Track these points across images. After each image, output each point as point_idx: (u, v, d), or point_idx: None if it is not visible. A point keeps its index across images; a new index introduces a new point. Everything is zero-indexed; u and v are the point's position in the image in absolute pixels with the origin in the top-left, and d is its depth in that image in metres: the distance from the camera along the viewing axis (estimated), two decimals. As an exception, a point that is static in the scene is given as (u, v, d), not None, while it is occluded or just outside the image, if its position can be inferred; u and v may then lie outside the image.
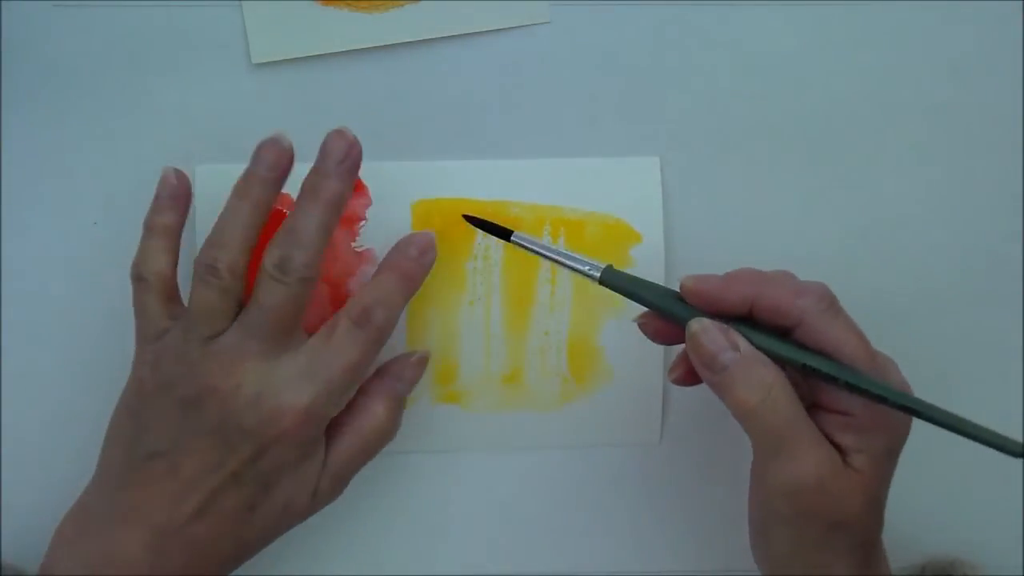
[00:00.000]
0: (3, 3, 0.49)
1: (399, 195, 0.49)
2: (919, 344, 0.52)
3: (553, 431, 0.50)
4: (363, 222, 0.49)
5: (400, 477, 0.51)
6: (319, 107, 0.50)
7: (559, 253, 0.45)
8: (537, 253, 0.45)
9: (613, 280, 0.44)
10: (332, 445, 0.44)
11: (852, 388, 0.40)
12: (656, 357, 0.50)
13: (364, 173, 0.49)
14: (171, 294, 0.44)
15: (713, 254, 0.51)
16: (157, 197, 0.45)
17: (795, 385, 0.41)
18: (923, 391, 0.52)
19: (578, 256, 0.44)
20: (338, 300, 0.49)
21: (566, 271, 0.49)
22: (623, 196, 0.50)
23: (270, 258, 0.41)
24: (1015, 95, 0.52)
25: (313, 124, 0.50)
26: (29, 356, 0.50)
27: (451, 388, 0.50)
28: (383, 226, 0.49)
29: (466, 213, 0.48)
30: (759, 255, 0.52)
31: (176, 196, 0.45)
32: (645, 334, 0.44)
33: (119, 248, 0.49)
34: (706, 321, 0.41)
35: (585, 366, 0.50)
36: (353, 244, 0.49)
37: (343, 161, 0.43)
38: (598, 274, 0.44)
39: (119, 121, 0.50)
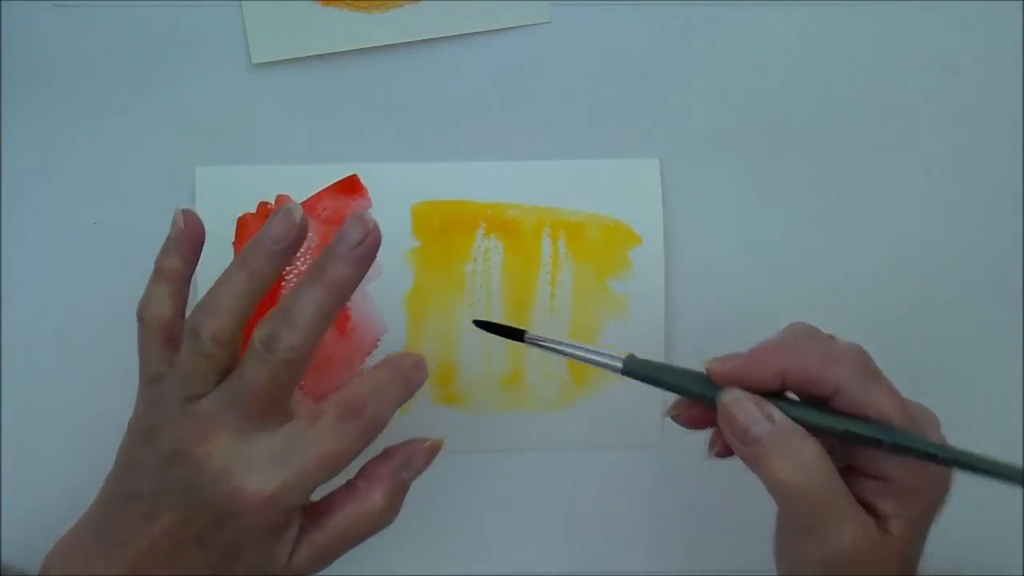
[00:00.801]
0: (3, 3, 0.49)
1: (399, 197, 0.49)
2: (919, 344, 0.52)
3: (553, 433, 0.50)
4: None
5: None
6: (319, 107, 0.50)
7: (576, 348, 0.42)
8: (552, 351, 0.42)
9: (636, 369, 0.41)
10: (319, 524, 0.41)
11: (898, 449, 0.39)
12: (656, 358, 0.50)
13: (363, 174, 0.49)
14: (171, 339, 0.42)
15: (713, 256, 0.51)
16: (168, 238, 0.43)
17: (830, 451, 0.39)
18: (923, 391, 0.52)
19: (596, 349, 0.42)
20: None
21: (567, 273, 0.49)
22: (623, 198, 0.50)
23: (259, 332, 0.39)
24: (1015, 95, 0.52)
25: (313, 124, 0.50)
26: (29, 356, 0.50)
27: (450, 389, 0.50)
28: (383, 228, 0.49)
29: (476, 320, 0.45)
30: (759, 256, 0.52)
31: (183, 240, 0.43)
32: (680, 424, 0.42)
33: (119, 248, 0.49)
34: (738, 392, 0.39)
35: (585, 368, 0.50)
36: None
37: (357, 246, 0.40)
38: (620, 365, 0.41)
39: (119, 121, 0.50)
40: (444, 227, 0.49)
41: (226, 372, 0.40)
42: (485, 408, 0.50)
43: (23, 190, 0.50)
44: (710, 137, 0.51)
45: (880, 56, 0.52)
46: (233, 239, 0.49)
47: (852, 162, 0.52)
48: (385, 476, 0.42)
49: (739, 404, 0.39)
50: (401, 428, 0.49)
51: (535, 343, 0.42)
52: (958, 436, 0.52)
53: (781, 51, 0.51)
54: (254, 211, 0.49)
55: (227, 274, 0.41)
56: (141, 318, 0.42)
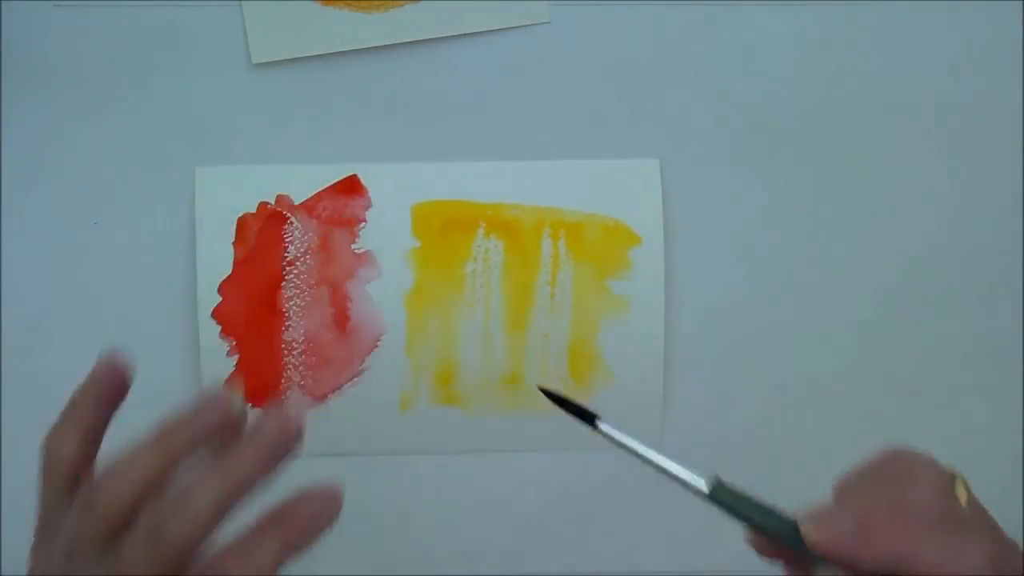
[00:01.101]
0: (3, 3, 0.49)
1: (399, 197, 0.49)
2: (919, 344, 0.52)
3: (553, 433, 0.50)
4: (363, 224, 0.49)
5: (401, 478, 0.51)
6: (319, 107, 0.50)
7: (656, 457, 0.38)
8: (624, 448, 0.39)
9: (723, 498, 0.37)
10: None
11: None
12: (656, 358, 0.50)
13: (363, 174, 0.49)
14: (72, 483, 0.38)
15: (713, 256, 0.51)
16: (92, 379, 0.39)
17: None
18: (923, 391, 0.52)
19: (678, 467, 0.38)
20: (337, 301, 0.49)
21: (567, 273, 0.49)
22: (623, 198, 0.50)
23: (146, 516, 0.35)
24: (1015, 95, 0.52)
25: (313, 124, 0.50)
26: (29, 356, 0.50)
27: (451, 390, 0.50)
28: (383, 228, 0.49)
29: (546, 389, 0.41)
30: (759, 256, 0.52)
31: (110, 387, 0.39)
32: (757, 551, 0.39)
33: (119, 248, 0.49)
34: None
35: (585, 368, 0.50)
36: (353, 246, 0.49)
37: (272, 443, 0.36)
38: (705, 489, 0.38)
39: (119, 121, 0.50)
40: (444, 227, 0.49)
41: (112, 536, 0.36)
42: (485, 408, 0.50)
43: (23, 190, 0.49)
44: (710, 137, 0.51)
45: (880, 56, 0.51)
46: (233, 239, 0.49)
47: (852, 162, 0.52)
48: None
49: None
50: (402, 428, 0.49)
51: (607, 435, 0.39)
52: (958, 436, 0.52)
53: (781, 51, 0.51)
54: (254, 211, 0.49)
55: (144, 448, 0.36)
56: (46, 455, 0.39)
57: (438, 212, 0.50)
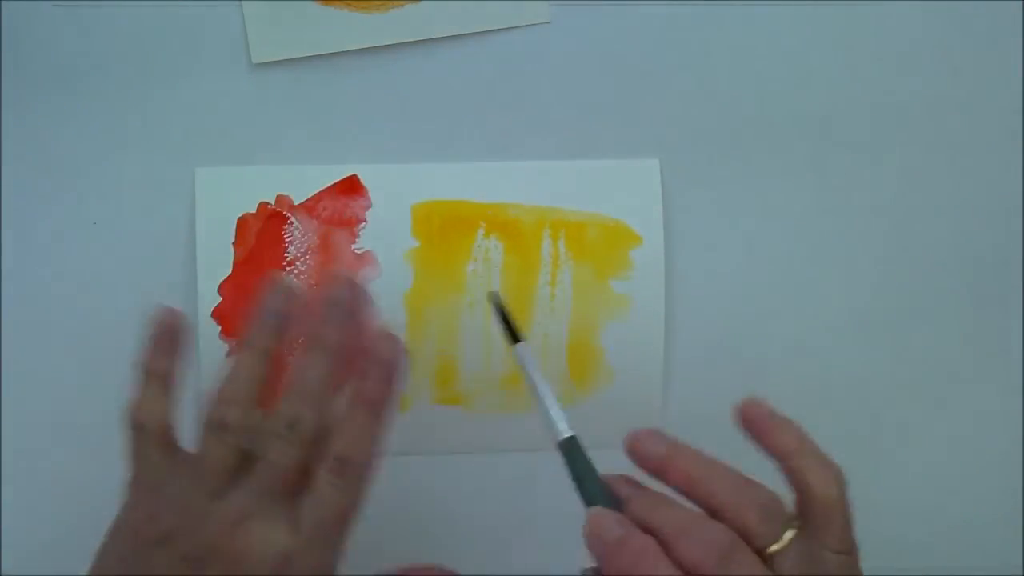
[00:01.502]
0: (3, 3, 0.49)
1: (399, 197, 0.49)
2: (919, 344, 0.52)
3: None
4: (363, 224, 0.49)
5: (400, 478, 0.51)
6: (319, 107, 0.50)
7: (543, 394, 0.41)
8: (527, 378, 0.42)
9: (567, 453, 0.41)
10: None
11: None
12: (657, 359, 0.50)
13: (363, 175, 0.49)
14: (170, 442, 0.42)
15: (713, 256, 0.51)
16: (150, 339, 0.42)
17: None
18: (924, 391, 0.52)
19: (555, 410, 0.41)
20: None
21: (567, 273, 0.49)
22: (623, 198, 0.50)
23: (281, 418, 0.40)
24: (1015, 95, 0.52)
25: (313, 124, 0.50)
26: (29, 357, 0.50)
27: (451, 390, 0.50)
28: (383, 228, 0.49)
29: (493, 294, 0.45)
30: (759, 256, 0.52)
31: (167, 337, 0.42)
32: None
33: (119, 248, 0.49)
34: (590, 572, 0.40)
35: (586, 368, 0.50)
36: (353, 246, 0.49)
37: (341, 308, 0.42)
38: (559, 438, 0.41)
39: (119, 121, 0.50)
40: (444, 227, 0.49)
41: (246, 457, 0.40)
42: (485, 408, 0.50)
43: (23, 190, 0.49)
44: (710, 137, 0.51)
45: (880, 56, 0.51)
46: (233, 239, 0.49)
47: (852, 161, 0.52)
48: None
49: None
50: (402, 428, 0.49)
51: (518, 359, 0.43)
52: (959, 436, 0.52)
53: (781, 51, 0.51)
54: (254, 211, 0.49)
55: (238, 362, 0.41)
56: (137, 425, 0.41)
57: (438, 212, 0.50)
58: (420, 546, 0.52)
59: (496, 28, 0.50)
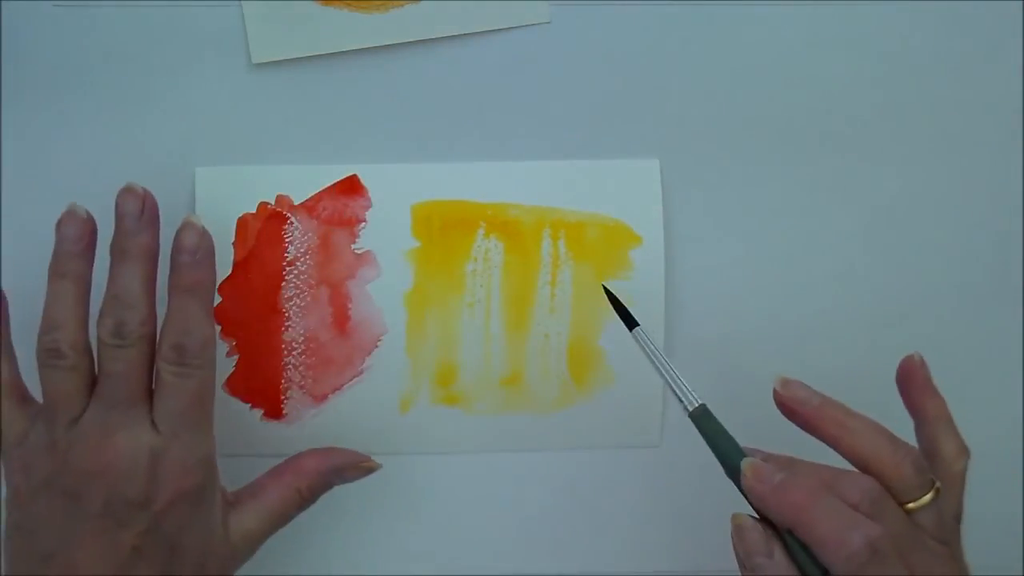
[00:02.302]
0: (3, 3, 0.49)
1: (399, 197, 0.49)
2: (919, 344, 0.52)
3: (553, 433, 0.50)
4: (363, 224, 0.49)
5: (400, 478, 0.51)
6: (319, 107, 0.50)
7: (667, 370, 0.44)
8: (646, 354, 0.44)
9: (700, 422, 0.43)
10: (246, 505, 0.44)
11: None
12: (654, 356, 0.50)
13: (363, 175, 0.49)
14: (22, 394, 0.44)
15: (713, 256, 0.51)
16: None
17: None
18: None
19: (681, 384, 0.43)
20: (337, 301, 0.49)
21: (567, 273, 0.49)
22: (623, 198, 0.50)
23: (104, 328, 0.42)
24: (1015, 95, 0.52)
25: (313, 124, 0.50)
26: (29, 356, 0.49)
27: (451, 390, 0.50)
28: (383, 228, 0.49)
29: (606, 286, 0.47)
30: (759, 256, 0.52)
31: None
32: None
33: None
34: (749, 520, 0.41)
35: (586, 368, 0.50)
36: (353, 246, 0.49)
37: (141, 214, 0.44)
38: (690, 408, 0.43)
39: (119, 121, 0.50)
40: (444, 227, 0.49)
41: (90, 381, 0.42)
42: (485, 409, 0.50)
43: (23, 190, 0.49)
44: (710, 137, 0.51)
45: (880, 56, 0.52)
46: (233, 239, 0.49)
47: (852, 161, 0.52)
48: (314, 474, 0.45)
49: (745, 530, 0.41)
50: (402, 428, 0.49)
51: (640, 340, 0.45)
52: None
53: (781, 51, 0.51)
54: (254, 211, 0.49)
55: (52, 291, 0.43)
56: None
57: (438, 212, 0.50)
58: (420, 546, 0.52)
59: (496, 28, 0.50)
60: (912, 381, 0.43)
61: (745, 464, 0.41)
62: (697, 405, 0.43)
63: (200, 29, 0.49)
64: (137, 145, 0.50)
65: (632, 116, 0.51)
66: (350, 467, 0.46)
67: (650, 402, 0.50)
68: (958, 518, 0.42)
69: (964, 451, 0.42)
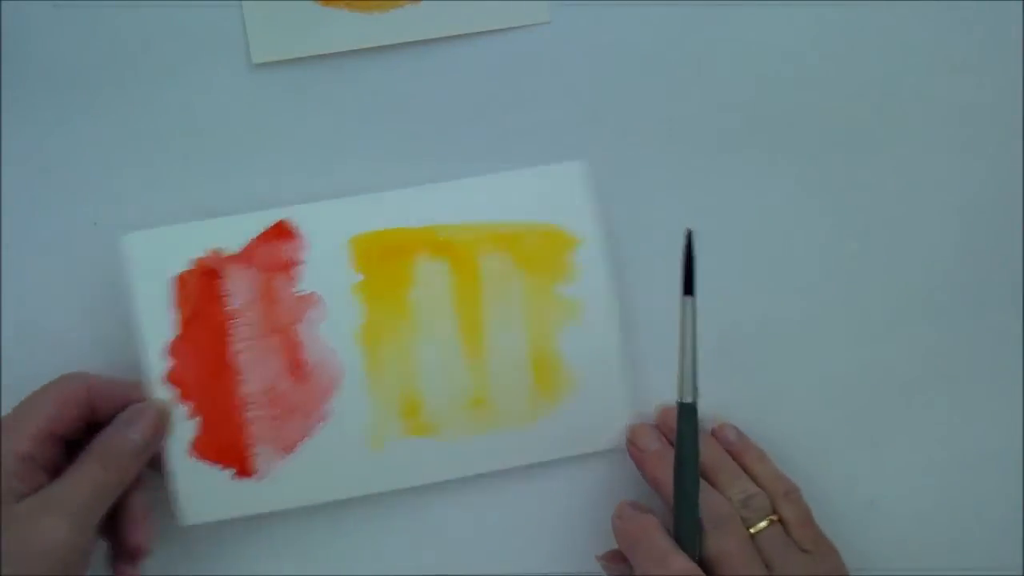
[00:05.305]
0: (3, 3, 0.49)
1: (334, 233, 0.48)
2: (919, 344, 0.52)
3: (530, 447, 0.49)
4: (301, 266, 0.48)
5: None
6: (319, 107, 0.50)
7: (688, 352, 0.45)
8: (682, 331, 0.45)
9: (684, 416, 0.45)
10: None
11: None
12: (617, 357, 0.49)
13: (296, 216, 0.48)
14: None
15: (714, 256, 0.51)
16: None
17: None
18: (924, 391, 0.52)
19: (689, 374, 0.45)
20: (289, 347, 0.48)
21: (514, 285, 0.49)
22: (555, 203, 0.49)
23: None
24: (1015, 95, 0.52)
25: (313, 124, 0.50)
26: (29, 357, 0.50)
27: (419, 420, 0.48)
28: (323, 267, 0.48)
29: (688, 230, 0.45)
30: (760, 255, 0.52)
31: None
32: None
33: (119, 248, 0.49)
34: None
35: (549, 376, 0.49)
36: (294, 290, 0.48)
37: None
38: (686, 400, 0.45)
39: (119, 121, 0.50)
40: (384, 257, 0.48)
41: None
42: (457, 433, 0.49)
43: (23, 190, 0.49)
44: (711, 137, 0.51)
45: (880, 56, 0.52)
46: (174, 300, 0.47)
47: (852, 161, 0.52)
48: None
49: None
50: (377, 465, 0.48)
51: (686, 311, 0.45)
52: (959, 436, 0.52)
53: (781, 51, 0.51)
54: (189, 269, 0.48)
55: None
56: None
57: (376, 243, 0.48)
58: (419, 544, 0.52)
59: (496, 28, 0.50)
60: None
61: (631, 427, 0.49)
62: (691, 400, 0.45)
63: (200, 29, 0.49)
64: (137, 145, 0.50)
65: (632, 116, 0.51)
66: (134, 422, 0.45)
67: (616, 401, 0.49)
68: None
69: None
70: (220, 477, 0.47)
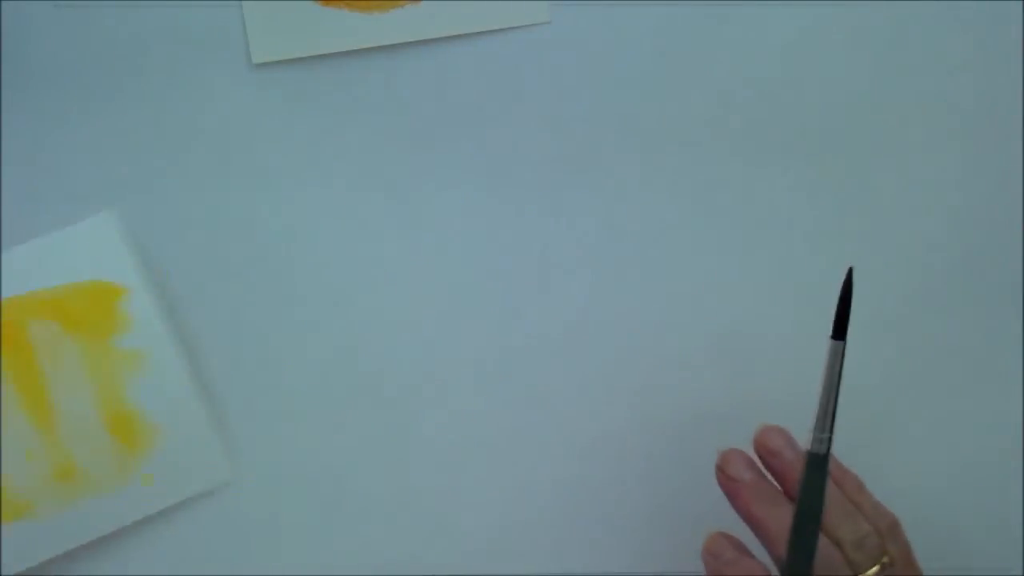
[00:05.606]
0: (3, 3, 0.49)
1: None
2: (919, 344, 0.52)
3: (133, 505, 0.48)
4: None
5: (397, 472, 0.51)
6: (319, 107, 0.50)
7: (829, 399, 0.43)
8: (826, 374, 0.43)
9: (813, 467, 0.42)
10: None
11: None
12: (189, 394, 0.48)
13: None
14: None
15: (713, 256, 0.51)
16: None
17: None
18: (924, 391, 0.52)
19: (826, 423, 0.42)
20: None
21: (69, 347, 0.48)
22: (93, 258, 0.48)
23: None
24: (1015, 95, 0.52)
25: (313, 124, 0.50)
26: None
27: (11, 504, 0.46)
28: None
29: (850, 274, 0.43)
30: (759, 255, 0.51)
31: None
32: None
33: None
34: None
35: (129, 432, 0.48)
36: None
37: None
38: (821, 450, 0.42)
39: (119, 121, 0.50)
40: None
41: None
42: (53, 508, 0.47)
43: (23, 190, 0.49)
44: (710, 136, 0.51)
45: (880, 56, 0.52)
46: None
47: (852, 160, 0.52)
48: None
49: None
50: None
51: (833, 356, 0.43)
52: (959, 436, 0.52)
53: (781, 51, 0.51)
54: None
55: None
56: None
57: None
58: (417, 545, 0.52)
59: (496, 28, 0.50)
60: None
61: (710, 536, 0.44)
62: (826, 452, 0.42)
63: (200, 29, 0.49)
64: (137, 145, 0.50)
65: (633, 116, 0.51)
66: None
67: (208, 442, 0.48)
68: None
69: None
70: None
